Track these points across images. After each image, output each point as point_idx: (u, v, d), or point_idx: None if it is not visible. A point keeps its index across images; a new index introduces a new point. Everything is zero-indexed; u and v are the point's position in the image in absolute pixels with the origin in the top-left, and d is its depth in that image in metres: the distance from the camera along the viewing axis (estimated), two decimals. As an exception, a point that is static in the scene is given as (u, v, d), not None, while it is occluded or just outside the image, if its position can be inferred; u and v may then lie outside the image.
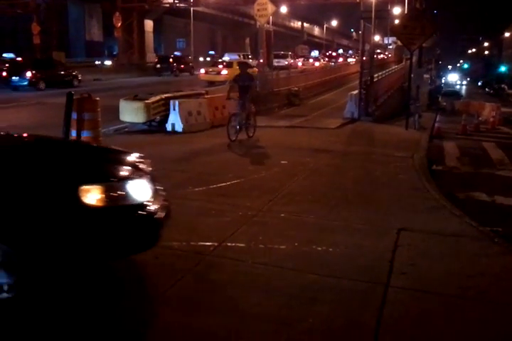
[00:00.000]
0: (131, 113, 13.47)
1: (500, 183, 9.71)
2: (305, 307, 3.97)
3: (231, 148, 10.84)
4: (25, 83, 25.67)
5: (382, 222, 6.12)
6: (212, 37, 72.41)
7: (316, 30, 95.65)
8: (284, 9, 56.92)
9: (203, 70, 33.44)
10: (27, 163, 3.81)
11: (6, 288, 3.56)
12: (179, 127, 13.12)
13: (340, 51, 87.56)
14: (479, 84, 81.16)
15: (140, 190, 3.85)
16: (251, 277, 4.46)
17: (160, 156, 8.92)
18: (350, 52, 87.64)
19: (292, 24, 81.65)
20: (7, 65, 27.52)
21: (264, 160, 9.78)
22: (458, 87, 63.40)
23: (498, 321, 3.89)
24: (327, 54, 70.88)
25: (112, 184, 3.77)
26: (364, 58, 19.87)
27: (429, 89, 39.43)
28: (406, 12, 28.17)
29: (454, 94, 43.92)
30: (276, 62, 44.15)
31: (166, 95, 14.26)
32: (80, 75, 29.29)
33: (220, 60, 37.88)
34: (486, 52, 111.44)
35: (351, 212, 6.45)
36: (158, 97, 13.93)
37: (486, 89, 68.44)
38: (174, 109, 13.18)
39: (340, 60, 64.73)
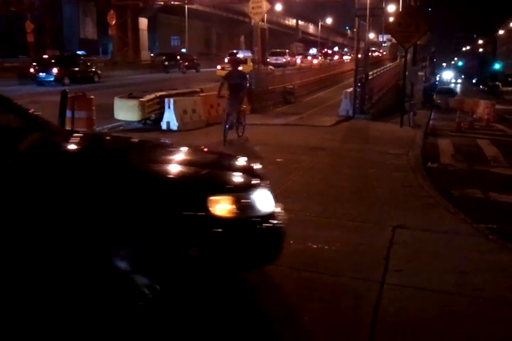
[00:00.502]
0: (126, 111, 13.46)
1: (494, 180, 9.74)
2: (301, 305, 3.98)
3: (226, 146, 10.83)
4: (52, 79, 27.32)
5: (377, 220, 6.14)
6: (206, 35, 72.29)
7: (311, 28, 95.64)
8: (278, 7, 57.03)
9: (219, 66, 35.10)
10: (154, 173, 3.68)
11: (147, 295, 3.46)
12: (174, 125, 13.09)
13: (336, 49, 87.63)
14: (474, 81, 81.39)
15: (264, 200, 3.73)
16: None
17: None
18: (346, 49, 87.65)
19: (287, 22, 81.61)
20: (34, 63, 28.95)
21: (259, 158, 9.77)
22: (453, 85, 63.53)
23: (493, 318, 3.91)
24: (323, 51, 70.90)
25: (241, 194, 3.62)
26: (359, 56, 19.88)
27: (424, 86, 39.51)
28: (400, 10, 28.24)
29: (448, 91, 44.00)
30: (274, 60, 44.34)
31: (161, 93, 14.23)
32: (99, 71, 31.22)
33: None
34: (481, 50, 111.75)
35: (347, 210, 6.46)
36: (153, 95, 13.91)
37: (481, 87, 68.61)
38: (169, 107, 13.15)
39: (336, 57, 64.77)
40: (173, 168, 3.86)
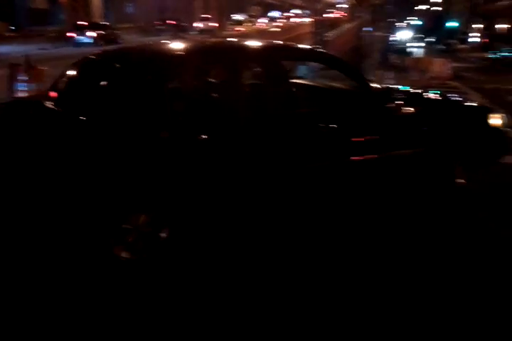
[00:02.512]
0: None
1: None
2: None
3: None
4: (91, 41, 33.09)
5: None
6: (161, 1, 70.38)
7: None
8: (234, -31, 55.87)
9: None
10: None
11: None
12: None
13: (299, 11, 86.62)
14: (430, 40, 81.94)
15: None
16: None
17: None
18: (307, 12, 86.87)
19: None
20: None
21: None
22: (412, 44, 63.94)
23: None
24: (283, 15, 70.51)
25: (502, 115, 5.86)
26: (317, 18, 19.88)
27: (382, 46, 39.74)
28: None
29: (405, 51, 44.30)
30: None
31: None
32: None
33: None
34: (436, 8, 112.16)
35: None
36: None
37: (437, 45, 69.22)
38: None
39: (297, 20, 64.37)
40: (466, 102, 6.24)
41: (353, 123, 4.75)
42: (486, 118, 5.58)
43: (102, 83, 4.37)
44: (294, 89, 4.66)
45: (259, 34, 35.41)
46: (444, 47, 66.59)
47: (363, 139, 4.71)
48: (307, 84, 5.53)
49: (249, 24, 52.23)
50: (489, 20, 63.68)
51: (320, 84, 5.62)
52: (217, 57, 4.43)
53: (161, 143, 3.83)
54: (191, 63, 4.18)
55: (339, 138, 4.58)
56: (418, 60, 33.77)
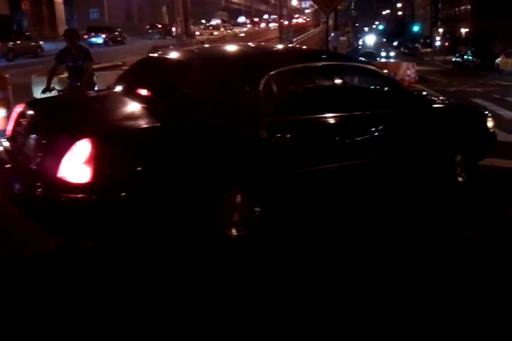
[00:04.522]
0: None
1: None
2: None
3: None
4: (101, 41, 38.86)
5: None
6: (127, 6, 69.87)
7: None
8: (199, -25, 55.83)
9: (198, 33, 44.35)
10: None
11: None
12: (99, 101, 12.84)
13: (266, 16, 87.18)
14: (394, 44, 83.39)
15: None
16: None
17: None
18: (274, 17, 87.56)
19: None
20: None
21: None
22: (379, 48, 64.87)
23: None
24: (250, 20, 70.99)
25: (490, 118, 6.65)
26: (283, 23, 20.01)
27: (347, 51, 40.22)
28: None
29: (370, 55, 44.92)
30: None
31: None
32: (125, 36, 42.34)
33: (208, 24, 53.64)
34: (400, 13, 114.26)
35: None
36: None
37: (402, 49, 70.50)
38: (93, 83, 12.87)
39: (263, 25, 64.70)
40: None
41: (403, 123, 5.62)
42: (485, 120, 6.55)
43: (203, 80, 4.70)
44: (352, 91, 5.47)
45: (233, 38, 35.66)
46: (407, 50, 67.95)
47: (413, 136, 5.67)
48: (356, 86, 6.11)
49: (222, 29, 52.26)
50: (450, 24, 65.16)
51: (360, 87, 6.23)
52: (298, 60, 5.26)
53: (258, 128, 4.45)
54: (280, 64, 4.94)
55: (394, 135, 5.46)
56: (385, 64, 34.28)
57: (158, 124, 4.12)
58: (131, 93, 4.85)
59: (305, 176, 4.76)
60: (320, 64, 5.31)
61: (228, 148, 4.31)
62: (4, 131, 5.07)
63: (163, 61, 5.38)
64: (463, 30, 61.64)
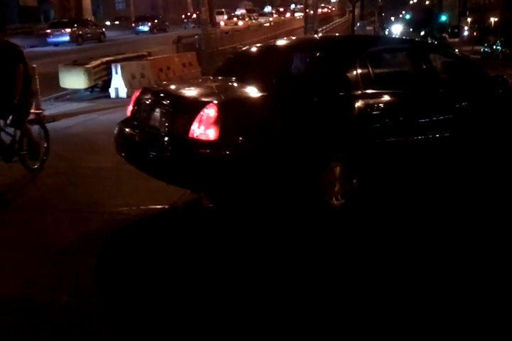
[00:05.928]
0: (71, 79, 13.11)
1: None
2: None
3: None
4: (147, 29, 41.38)
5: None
6: (152, -3, 69.90)
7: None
8: (224, -36, 55.42)
9: (222, 23, 41.65)
10: None
11: None
12: (123, 92, 12.86)
13: (292, 6, 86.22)
14: (422, 34, 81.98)
15: None
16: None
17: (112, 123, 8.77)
18: (299, 6, 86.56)
19: (234, -20, 79.45)
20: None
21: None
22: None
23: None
24: (276, 9, 70.34)
25: None
26: (308, 12, 19.80)
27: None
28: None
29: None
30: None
31: (107, 59, 13.93)
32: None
33: (232, 14, 52.71)
34: (427, 2, 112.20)
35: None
36: (98, 61, 13.60)
37: (429, 39, 69.33)
38: (116, 73, 12.91)
39: (288, 15, 64.12)
40: None
41: (481, 102, 6.17)
42: None
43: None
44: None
45: (257, 28, 35.42)
46: (434, 40, 66.76)
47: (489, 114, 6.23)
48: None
49: (247, 19, 51.79)
50: (478, 14, 63.72)
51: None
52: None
53: (357, 100, 4.97)
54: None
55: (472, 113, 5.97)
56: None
57: (269, 94, 4.72)
58: (238, 76, 5.50)
59: (395, 147, 5.26)
60: (404, 46, 6.33)
61: (332, 121, 4.85)
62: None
63: (270, 49, 6.12)
64: (492, 20, 60.26)
